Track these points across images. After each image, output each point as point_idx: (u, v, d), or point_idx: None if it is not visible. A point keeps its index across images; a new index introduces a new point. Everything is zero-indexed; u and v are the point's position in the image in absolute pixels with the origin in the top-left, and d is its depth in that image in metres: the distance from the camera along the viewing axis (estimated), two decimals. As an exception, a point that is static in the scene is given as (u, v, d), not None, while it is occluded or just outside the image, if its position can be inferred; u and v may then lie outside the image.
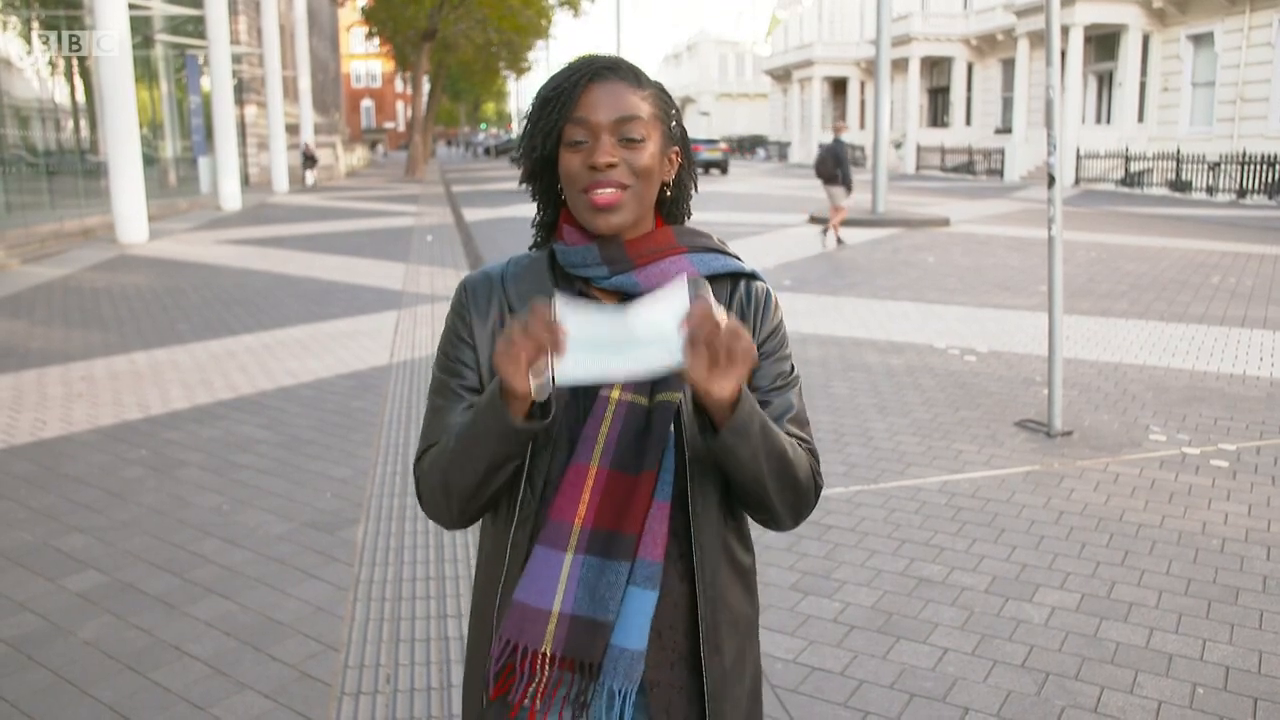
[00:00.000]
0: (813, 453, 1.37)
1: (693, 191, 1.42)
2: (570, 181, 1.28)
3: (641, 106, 1.28)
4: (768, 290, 1.41)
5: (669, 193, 1.37)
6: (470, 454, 1.24)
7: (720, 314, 1.14)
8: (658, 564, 1.26)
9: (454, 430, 1.28)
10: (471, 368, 1.36)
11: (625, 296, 1.31)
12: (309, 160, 32.18)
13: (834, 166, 13.73)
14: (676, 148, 1.35)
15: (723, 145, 40.79)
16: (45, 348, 7.86)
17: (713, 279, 1.36)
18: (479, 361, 1.35)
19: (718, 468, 1.28)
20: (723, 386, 1.16)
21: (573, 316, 1.12)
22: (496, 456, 1.23)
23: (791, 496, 1.31)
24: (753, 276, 1.40)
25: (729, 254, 1.40)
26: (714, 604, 1.34)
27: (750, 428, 1.21)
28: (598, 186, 1.25)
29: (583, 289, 1.33)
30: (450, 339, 1.38)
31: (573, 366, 1.12)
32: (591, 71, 1.28)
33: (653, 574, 1.26)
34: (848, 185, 13.81)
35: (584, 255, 1.31)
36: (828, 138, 47.29)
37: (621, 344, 1.12)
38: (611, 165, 1.25)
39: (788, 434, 1.34)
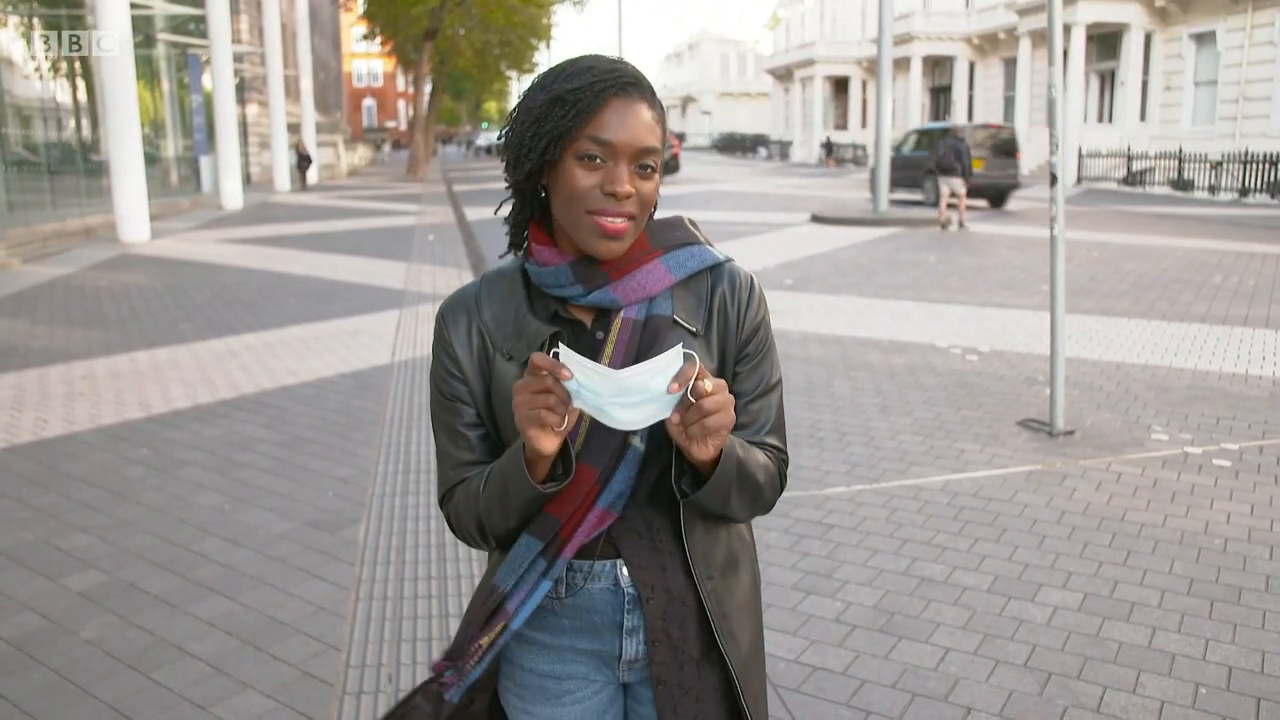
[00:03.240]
0: (783, 460, 1.38)
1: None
2: (576, 198, 1.22)
3: (656, 132, 1.24)
4: (751, 278, 1.37)
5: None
6: (502, 511, 1.28)
7: (708, 385, 1.14)
8: (569, 560, 1.30)
9: (482, 485, 1.30)
10: (469, 403, 1.35)
11: (602, 312, 1.31)
12: (303, 160, 30.06)
13: (954, 160, 16.07)
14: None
15: (673, 140, 34.10)
16: (47, 347, 7.86)
17: (691, 278, 1.34)
18: (473, 395, 1.35)
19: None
20: (703, 450, 1.17)
21: (573, 367, 1.13)
22: (528, 511, 1.27)
23: (752, 510, 1.34)
24: (728, 263, 1.37)
25: (703, 242, 1.36)
26: (719, 595, 1.35)
27: (726, 484, 1.24)
28: (609, 214, 1.21)
29: (559, 309, 1.32)
30: (441, 375, 1.37)
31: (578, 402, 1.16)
32: (618, 84, 1.21)
33: (562, 568, 1.30)
34: (966, 176, 16.25)
35: (558, 275, 1.28)
36: (824, 136, 47.65)
37: (615, 398, 1.14)
38: (629, 195, 1.22)
39: (762, 446, 1.35)
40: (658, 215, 1.38)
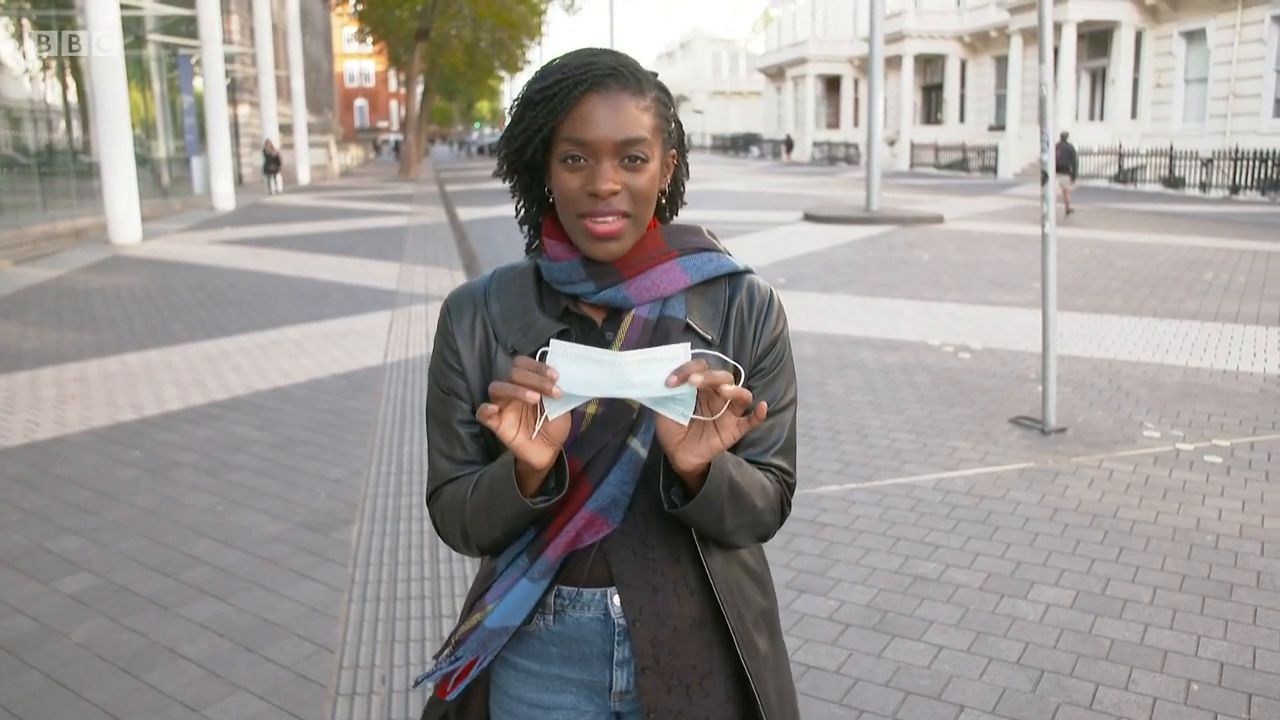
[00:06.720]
0: (788, 485, 1.33)
1: (685, 183, 1.35)
2: (566, 202, 1.20)
3: (644, 121, 1.18)
4: (770, 291, 1.33)
5: (663, 199, 1.31)
6: (488, 521, 1.23)
7: (719, 377, 1.07)
8: (554, 562, 1.25)
9: (470, 491, 1.25)
10: (464, 399, 1.31)
11: (614, 311, 1.27)
12: (272, 162, 27.18)
13: (1066, 160, 18.40)
14: (674, 149, 1.27)
15: None
16: (38, 349, 7.83)
17: (707, 283, 1.30)
18: (470, 390, 1.31)
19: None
20: (687, 459, 1.13)
21: (565, 363, 1.07)
22: (514, 525, 1.23)
23: (751, 535, 1.29)
24: (747, 273, 1.34)
25: (720, 250, 1.32)
26: (738, 609, 1.32)
27: (717, 499, 1.18)
28: (597, 215, 1.18)
29: (569, 306, 1.28)
30: (440, 367, 1.33)
31: (562, 404, 1.09)
32: (590, 79, 1.16)
33: (546, 570, 1.26)
34: (1074, 176, 19.05)
35: (569, 271, 1.25)
36: (821, 136, 47.88)
37: (617, 388, 1.08)
38: (614, 193, 1.17)
39: (766, 466, 1.30)
40: (676, 221, 1.35)
